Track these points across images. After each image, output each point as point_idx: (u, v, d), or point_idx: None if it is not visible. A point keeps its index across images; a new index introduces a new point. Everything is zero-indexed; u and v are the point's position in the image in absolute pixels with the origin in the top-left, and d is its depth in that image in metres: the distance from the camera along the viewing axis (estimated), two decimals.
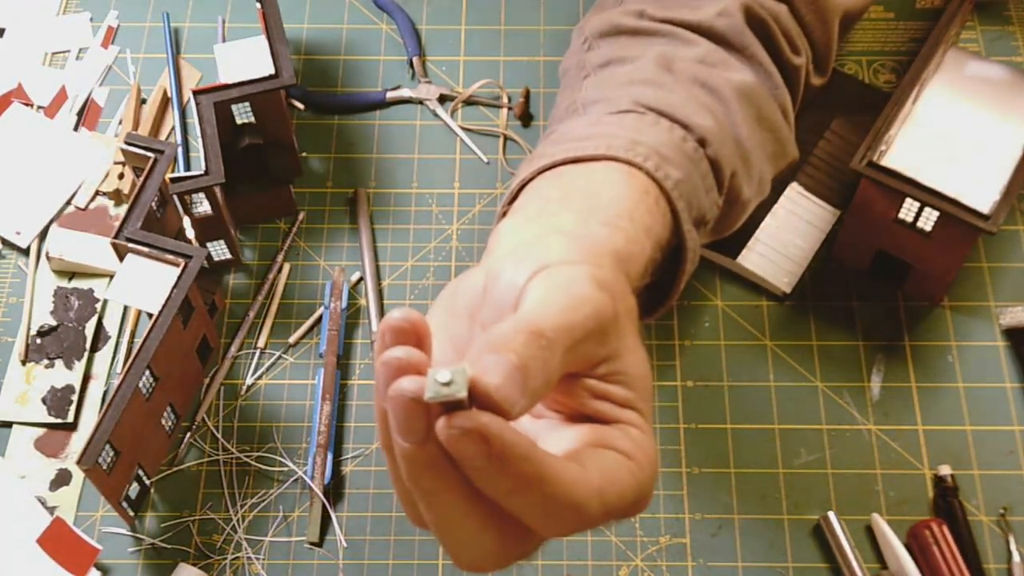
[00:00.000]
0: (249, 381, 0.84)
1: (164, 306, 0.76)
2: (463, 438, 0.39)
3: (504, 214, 0.63)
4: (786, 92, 0.74)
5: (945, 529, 0.76)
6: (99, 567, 0.77)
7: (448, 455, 0.41)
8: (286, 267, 0.89)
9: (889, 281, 0.86)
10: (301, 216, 0.91)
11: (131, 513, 0.78)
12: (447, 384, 0.38)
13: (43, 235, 0.91)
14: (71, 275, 0.89)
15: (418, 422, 0.40)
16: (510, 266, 0.48)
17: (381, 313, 0.87)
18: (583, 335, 0.44)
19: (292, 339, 0.86)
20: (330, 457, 0.80)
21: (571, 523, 0.42)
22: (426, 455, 0.41)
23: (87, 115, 0.96)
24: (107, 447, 0.73)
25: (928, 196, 0.77)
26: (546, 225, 0.55)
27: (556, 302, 0.44)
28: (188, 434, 0.82)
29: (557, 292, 0.45)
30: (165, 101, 0.96)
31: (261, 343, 0.86)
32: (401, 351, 0.40)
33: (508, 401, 0.40)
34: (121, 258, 0.79)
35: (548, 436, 0.46)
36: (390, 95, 0.96)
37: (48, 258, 0.89)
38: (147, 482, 0.79)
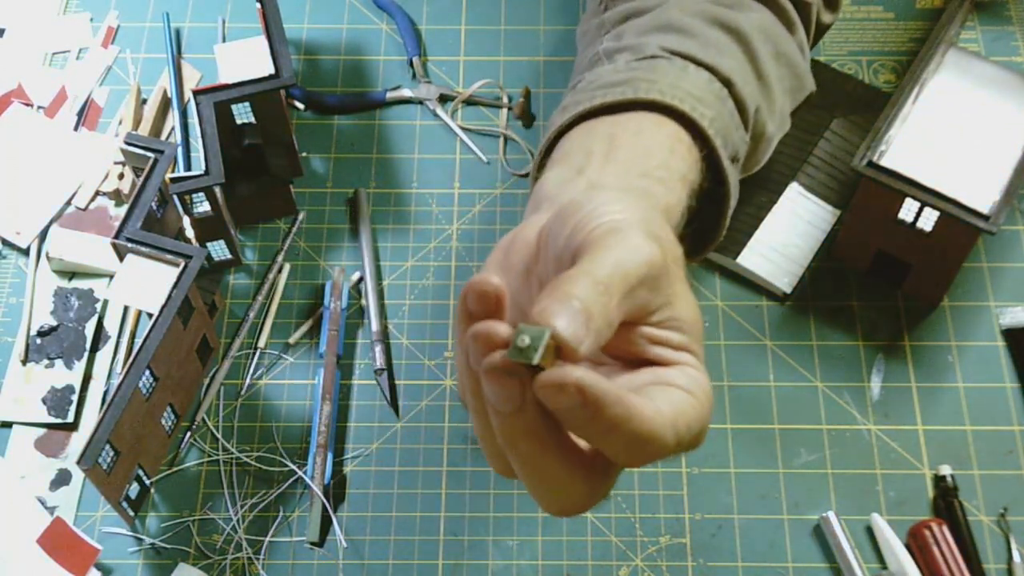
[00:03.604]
0: (249, 381, 0.84)
1: (164, 306, 0.76)
2: (561, 392, 0.42)
3: (540, 166, 0.65)
4: (802, 29, 0.76)
5: (945, 529, 0.76)
6: (99, 567, 0.77)
7: (542, 418, 0.44)
8: (286, 267, 0.89)
9: (889, 281, 0.86)
10: (301, 216, 0.91)
11: (131, 513, 0.78)
12: (527, 347, 0.42)
13: (43, 235, 0.91)
14: (71, 275, 0.89)
15: (514, 391, 0.43)
16: (564, 222, 0.50)
17: (381, 313, 0.87)
18: (637, 282, 0.47)
19: (292, 339, 0.86)
20: (330, 457, 0.80)
21: (652, 454, 0.46)
22: (523, 421, 0.44)
23: (87, 115, 0.96)
24: (107, 447, 0.73)
25: (928, 196, 0.77)
26: (593, 179, 0.58)
27: (612, 254, 0.47)
28: (188, 434, 0.82)
29: (612, 244, 0.47)
30: (165, 101, 0.96)
31: (261, 343, 0.86)
32: (490, 327, 0.43)
33: (575, 340, 0.43)
34: (121, 258, 0.79)
35: (614, 381, 0.49)
36: (390, 95, 0.96)
37: (48, 258, 0.89)
38: (147, 482, 0.79)
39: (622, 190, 0.57)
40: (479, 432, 0.49)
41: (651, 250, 0.48)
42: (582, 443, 0.47)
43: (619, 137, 0.61)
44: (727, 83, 0.67)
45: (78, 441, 0.82)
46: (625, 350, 0.50)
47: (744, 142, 0.69)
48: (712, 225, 0.67)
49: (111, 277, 0.88)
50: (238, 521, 0.79)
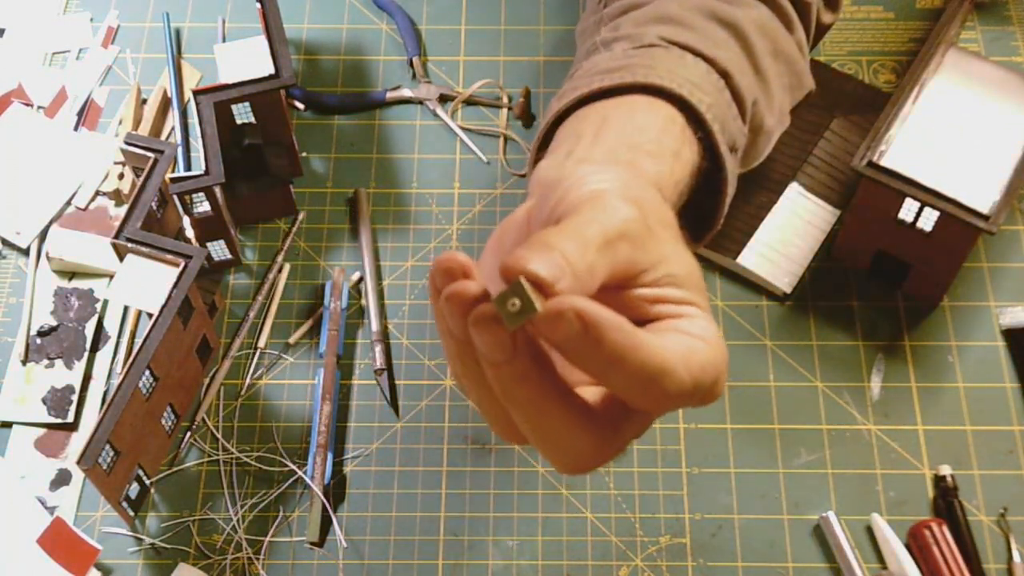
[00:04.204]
0: (249, 381, 0.84)
1: (164, 306, 0.76)
2: (560, 319, 0.42)
3: (536, 156, 0.66)
4: (801, 28, 0.76)
5: (945, 529, 0.76)
6: (99, 567, 0.77)
7: (537, 363, 0.44)
8: (286, 267, 0.89)
9: (889, 281, 0.86)
10: (301, 216, 0.91)
11: (131, 513, 0.78)
12: (511, 303, 0.42)
13: (43, 235, 0.91)
14: (71, 275, 0.89)
15: (504, 337, 0.43)
16: (549, 197, 0.51)
17: (381, 313, 0.87)
18: (616, 236, 0.47)
19: (292, 339, 0.86)
20: (330, 457, 0.80)
21: (666, 392, 0.45)
22: (517, 368, 0.44)
23: (87, 115, 0.96)
24: (107, 447, 0.73)
25: (928, 196, 0.77)
26: (580, 157, 0.58)
27: (588, 214, 0.48)
28: (188, 434, 0.82)
29: (588, 208, 0.48)
30: (165, 101, 0.96)
31: (261, 343, 0.86)
32: (461, 284, 0.44)
33: (552, 277, 0.43)
34: (121, 258, 0.79)
35: None
36: (390, 95, 0.96)
37: (48, 258, 0.89)
38: (147, 482, 0.79)
39: (607, 163, 0.57)
40: (477, 400, 0.49)
41: (628, 210, 0.48)
42: (589, 397, 0.47)
43: (610, 118, 0.62)
44: (724, 75, 0.68)
45: (78, 441, 0.82)
46: (627, 315, 0.49)
47: (742, 133, 0.69)
48: (711, 213, 0.68)
49: (111, 277, 0.88)
50: (238, 521, 0.79)
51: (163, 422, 0.80)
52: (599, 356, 0.43)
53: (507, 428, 0.49)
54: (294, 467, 0.80)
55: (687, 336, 0.48)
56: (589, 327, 0.42)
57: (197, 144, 0.90)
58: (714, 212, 0.68)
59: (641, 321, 0.49)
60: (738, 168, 0.71)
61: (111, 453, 0.74)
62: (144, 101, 0.96)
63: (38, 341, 0.86)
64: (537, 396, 0.45)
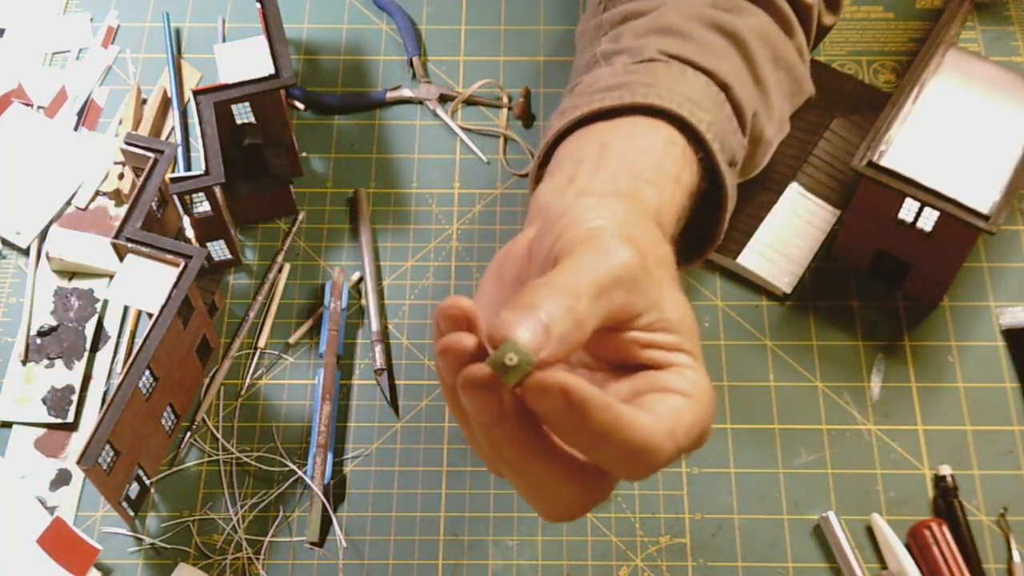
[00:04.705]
0: (249, 381, 0.84)
1: (164, 306, 0.76)
2: (545, 394, 0.42)
3: (538, 173, 0.66)
4: (801, 32, 0.76)
5: (945, 529, 0.76)
6: (99, 567, 0.77)
7: (526, 426, 0.45)
8: (286, 267, 0.89)
9: (889, 281, 0.86)
10: (301, 216, 0.91)
11: (131, 513, 0.78)
12: (504, 362, 0.42)
13: (43, 235, 0.91)
14: (71, 275, 0.89)
15: (492, 402, 0.44)
16: (549, 231, 0.51)
17: (381, 313, 0.87)
18: (612, 283, 0.47)
19: (292, 339, 0.86)
20: (330, 457, 0.80)
21: (649, 465, 0.46)
22: (506, 430, 0.45)
23: (87, 115, 0.96)
24: (107, 447, 0.73)
25: (928, 196, 0.77)
26: (582, 186, 0.58)
27: (583, 259, 0.48)
28: (188, 434, 0.82)
29: (585, 251, 0.48)
30: (165, 101, 0.96)
31: (261, 343, 0.86)
32: (456, 338, 0.44)
33: (536, 343, 0.43)
34: (121, 258, 0.79)
35: (608, 388, 0.50)
36: (390, 95, 0.96)
37: (48, 258, 0.89)
38: (147, 482, 0.79)
39: (607, 195, 0.57)
40: (469, 441, 0.49)
41: (625, 253, 0.48)
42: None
43: (611, 142, 0.61)
44: (724, 87, 0.67)
45: (78, 441, 0.82)
46: (618, 357, 0.50)
47: (742, 146, 0.69)
48: (710, 230, 0.67)
49: (111, 277, 0.88)
50: (238, 521, 0.79)
51: (163, 422, 0.80)
52: (583, 432, 0.44)
53: (494, 467, 0.49)
54: (294, 467, 0.80)
55: (674, 397, 0.48)
56: (574, 405, 0.42)
57: (197, 144, 0.90)
58: (713, 228, 0.67)
59: (631, 365, 0.50)
60: (737, 181, 0.71)
61: (111, 453, 0.74)
62: (144, 101, 0.96)
63: (38, 341, 0.86)
64: (525, 454, 0.45)
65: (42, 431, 0.83)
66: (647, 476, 0.46)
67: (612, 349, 0.50)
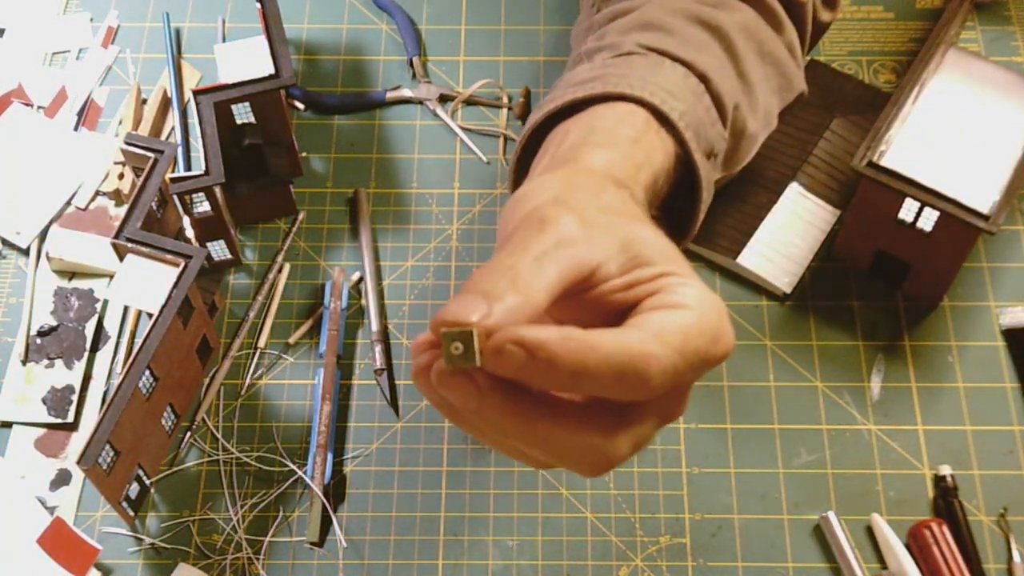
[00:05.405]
0: (249, 381, 0.84)
1: (164, 306, 0.76)
2: (503, 355, 0.42)
3: (516, 164, 0.67)
4: (792, 29, 0.76)
5: (945, 529, 0.76)
6: (99, 567, 0.77)
7: (516, 398, 0.45)
8: (286, 267, 0.89)
9: (889, 281, 0.86)
10: (301, 216, 0.91)
11: (131, 513, 0.78)
12: (456, 348, 0.43)
13: (43, 235, 0.91)
14: (71, 275, 0.89)
15: (467, 386, 0.44)
16: (503, 229, 0.52)
17: (381, 313, 0.87)
18: (550, 247, 0.47)
19: (292, 339, 0.86)
20: (330, 457, 0.80)
21: (648, 377, 0.44)
22: (493, 405, 0.44)
23: (87, 115, 0.96)
24: (107, 447, 0.73)
25: (928, 196, 0.77)
26: (529, 180, 0.58)
27: (515, 239, 0.48)
28: (188, 434, 0.82)
29: (517, 232, 0.49)
30: (165, 101, 0.96)
31: (261, 343, 0.86)
32: (417, 361, 0.46)
33: (478, 313, 0.44)
34: (121, 258, 0.79)
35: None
36: (390, 95, 0.96)
37: (48, 258, 0.89)
38: (147, 482, 0.79)
39: (546, 171, 0.58)
40: (492, 446, 0.50)
41: (553, 216, 0.49)
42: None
43: (571, 130, 0.62)
44: (704, 79, 0.67)
45: (78, 441, 0.82)
46: (608, 313, 0.49)
47: (722, 138, 0.69)
48: (687, 219, 0.67)
49: (111, 277, 0.88)
50: (238, 521, 0.79)
51: (163, 422, 0.80)
52: (560, 373, 0.43)
53: (527, 460, 0.49)
54: (294, 467, 0.80)
55: (663, 311, 0.47)
56: (535, 350, 0.42)
57: (197, 144, 0.90)
58: (689, 219, 0.67)
59: (622, 312, 0.49)
60: (717, 174, 0.71)
61: (111, 453, 0.74)
62: (144, 101, 0.96)
63: (38, 341, 0.86)
64: (525, 421, 0.45)
65: (42, 431, 0.83)
66: (657, 393, 0.45)
67: (594, 311, 0.49)
